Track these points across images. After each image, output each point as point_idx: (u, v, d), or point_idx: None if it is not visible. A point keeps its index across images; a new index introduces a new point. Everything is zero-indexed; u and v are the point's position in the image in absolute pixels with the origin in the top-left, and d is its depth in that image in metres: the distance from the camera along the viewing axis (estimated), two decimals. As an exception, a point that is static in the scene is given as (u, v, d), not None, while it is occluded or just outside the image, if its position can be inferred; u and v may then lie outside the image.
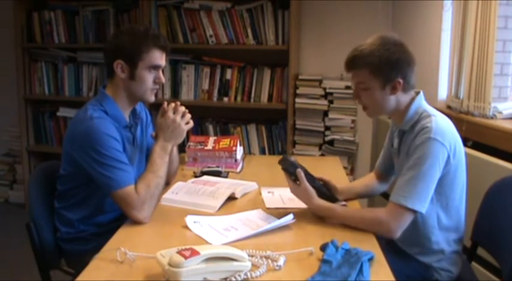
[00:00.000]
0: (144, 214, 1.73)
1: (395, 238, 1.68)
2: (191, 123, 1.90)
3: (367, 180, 2.10)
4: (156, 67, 1.86)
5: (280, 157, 1.81)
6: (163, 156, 1.83)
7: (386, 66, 1.68)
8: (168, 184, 2.01)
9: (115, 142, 1.78)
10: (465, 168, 1.76)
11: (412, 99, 1.74)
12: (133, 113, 1.98)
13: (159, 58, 1.86)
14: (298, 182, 1.76)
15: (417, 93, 1.77)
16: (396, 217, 1.64)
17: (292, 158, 1.80)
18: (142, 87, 1.86)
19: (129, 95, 1.89)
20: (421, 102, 1.75)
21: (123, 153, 1.81)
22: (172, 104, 1.88)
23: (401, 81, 1.70)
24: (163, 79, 1.90)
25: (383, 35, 1.73)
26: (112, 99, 1.87)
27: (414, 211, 1.63)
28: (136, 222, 1.72)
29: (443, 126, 1.66)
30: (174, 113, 1.87)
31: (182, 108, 1.88)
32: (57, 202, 1.94)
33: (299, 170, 1.76)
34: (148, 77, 1.85)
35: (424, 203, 1.63)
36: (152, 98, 1.91)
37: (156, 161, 1.81)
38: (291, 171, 1.77)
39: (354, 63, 1.72)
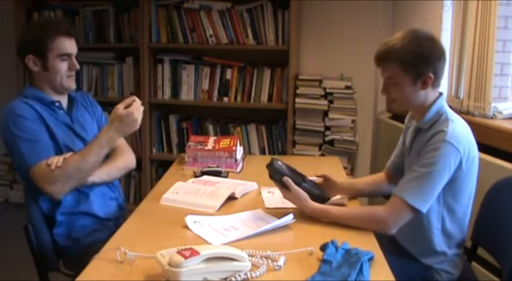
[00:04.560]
0: (56, 189, 1.79)
1: (391, 234, 1.67)
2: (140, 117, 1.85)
3: (374, 178, 2.08)
4: (66, 55, 1.91)
5: (279, 157, 1.80)
6: (102, 145, 1.84)
7: (419, 61, 1.66)
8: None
9: (27, 121, 1.82)
10: (476, 178, 1.74)
11: (436, 99, 1.73)
12: (70, 101, 2.03)
13: (67, 46, 1.91)
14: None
15: (440, 94, 1.75)
16: (395, 212, 1.64)
17: (279, 162, 1.78)
18: (58, 75, 1.92)
19: (51, 86, 1.94)
20: (443, 104, 1.73)
21: (44, 133, 1.84)
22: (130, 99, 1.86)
23: (432, 76, 1.68)
24: (77, 66, 1.95)
25: (414, 29, 1.71)
26: (35, 88, 1.93)
27: (414, 209, 1.63)
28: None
29: (459, 131, 1.65)
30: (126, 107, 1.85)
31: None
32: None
33: (286, 178, 1.74)
34: (61, 66, 1.91)
35: (425, 203, 1.62)
36: (72, 84, 1.97)
37: (93, 145, 1.84)
38: (278, 179, 1.76)
39: (384, 58, 1.70)
